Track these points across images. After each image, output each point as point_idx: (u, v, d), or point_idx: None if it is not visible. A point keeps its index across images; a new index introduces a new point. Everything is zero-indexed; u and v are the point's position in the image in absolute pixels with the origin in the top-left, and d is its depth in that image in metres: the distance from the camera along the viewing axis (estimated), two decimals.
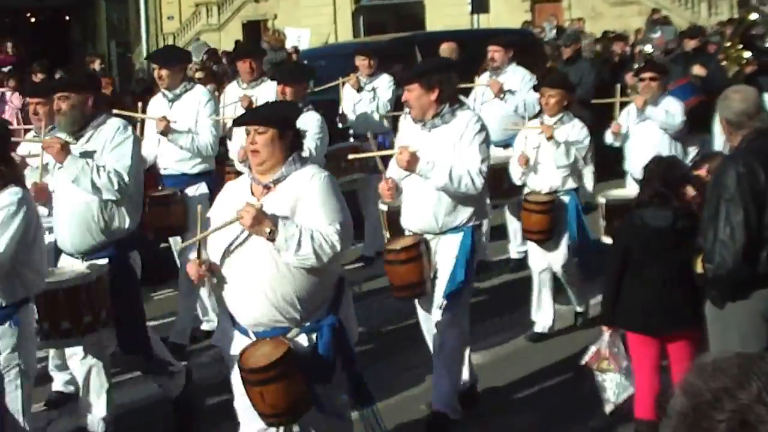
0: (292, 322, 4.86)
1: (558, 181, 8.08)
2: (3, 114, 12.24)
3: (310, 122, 8.27)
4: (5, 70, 13.66)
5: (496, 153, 8.67)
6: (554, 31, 20.91)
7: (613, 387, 5.89)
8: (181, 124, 8.26)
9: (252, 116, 5.39)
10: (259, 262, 4.81)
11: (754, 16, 13.71)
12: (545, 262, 8.15)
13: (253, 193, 4.99)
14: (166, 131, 8.16)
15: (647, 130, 8.89)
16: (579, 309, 8.43)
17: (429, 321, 6.50)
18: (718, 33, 18.39)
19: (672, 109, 8.90)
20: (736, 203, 5.13)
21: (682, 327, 5.67)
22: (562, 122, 8.13)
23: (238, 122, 5.61)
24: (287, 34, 18.89)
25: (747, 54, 12.31)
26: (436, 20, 34.41)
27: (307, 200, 4.85)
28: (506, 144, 9.44)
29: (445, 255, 6.27)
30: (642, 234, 5.69)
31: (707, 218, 5.27)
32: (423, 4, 38.06)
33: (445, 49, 12.83)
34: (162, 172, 8.52)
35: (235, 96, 9.75)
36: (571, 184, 8.11)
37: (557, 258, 8.03)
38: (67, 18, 45.04)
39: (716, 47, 13.61)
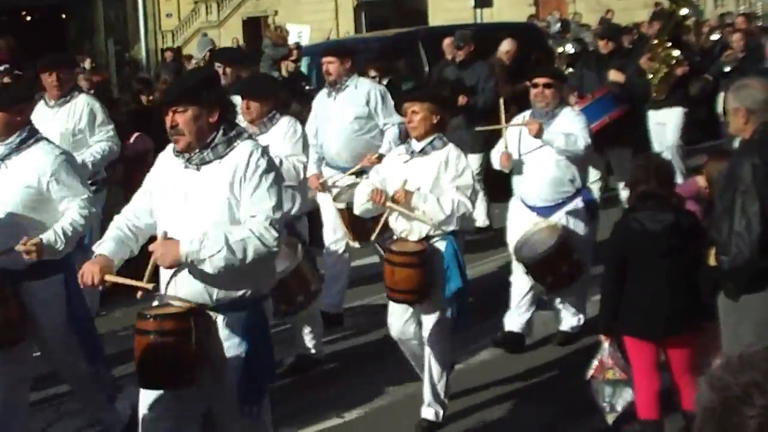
0: None
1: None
2: None
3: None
4: (1, 69, 13.52)
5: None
6: (559, 25, 20.80)
7: (613, 395, 5.78)
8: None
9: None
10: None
11: (684, 11, 12.29)
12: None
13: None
14: None
15: (542, 154, 7.34)
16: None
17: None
18: (635, 31, 17.65)
19: (574, 129, 7.28)
20: (752, 195, 5.05)
21: (684, 329, 5.59)
22: (433, 147, 6.18)
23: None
24: (289, 31, 18.77)
25: (677, 53, 11.54)
26: (438, 15, 34.38)
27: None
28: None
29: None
30: (642, 239, 5.56)
31: (722, 210, 5.20)
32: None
33: (448, 43, 12.74)
34: None
35: (41, 118, 7.40)
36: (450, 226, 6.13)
37: (428, 322, 6.25)
38: (64, 16, 45.00)
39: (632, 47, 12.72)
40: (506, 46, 12.06)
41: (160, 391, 4.71)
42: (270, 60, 15.16)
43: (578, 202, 7.42)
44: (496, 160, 7.63)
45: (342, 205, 7.88)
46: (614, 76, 10.93)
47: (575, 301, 7.72)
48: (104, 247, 4.73)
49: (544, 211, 7.40)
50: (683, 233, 5.50)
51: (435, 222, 6.02)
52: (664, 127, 11.75)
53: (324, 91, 8.84)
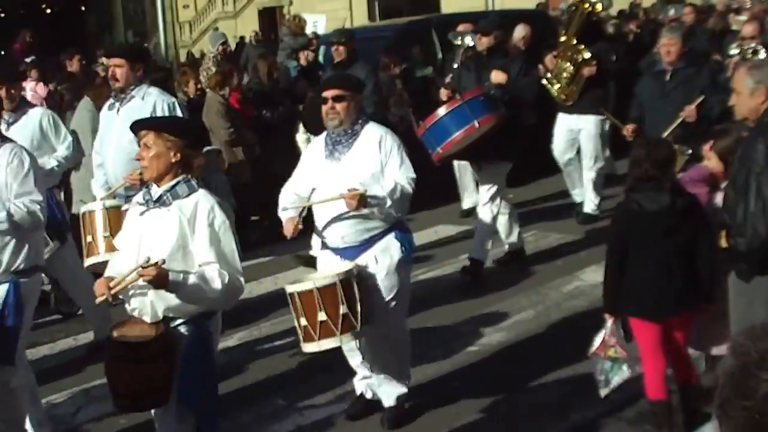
0: None
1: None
2: None
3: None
4: (27, 60, 13.69)
5: None
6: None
7: (611, 371, 5.88)
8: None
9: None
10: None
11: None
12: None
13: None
14: None
15: (339, 182, 5.86)
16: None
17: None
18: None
19: (390, 164, 5.94)
20: (766, 176, 5.07)
21: (686, 309, 5.64)
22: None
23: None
24: (306, 20, 18.85)
25: (586, 53, 10.54)
26: (451, 2, 34.29)
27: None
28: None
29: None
30: (640, 219, 5.61)
31: (735, 192, 5.21)
32: None
33: (461, 30, 12.82)
34: None
35: None
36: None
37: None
38: (83, 8, 45.19)
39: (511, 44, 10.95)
40: (521, 32, 11.97)
41: None
42: (289, 49, 15.24)
43: (390, 240, 5.97)
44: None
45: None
46: (495, 76, 9.25)
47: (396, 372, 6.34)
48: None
49: (349, 253, 5.96)
50: (680, 213, 5.53)
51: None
52: (577, 134, 11.10)
53: (109, 102, 7.52)
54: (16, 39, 16.82)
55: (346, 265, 5.81)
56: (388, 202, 5.79)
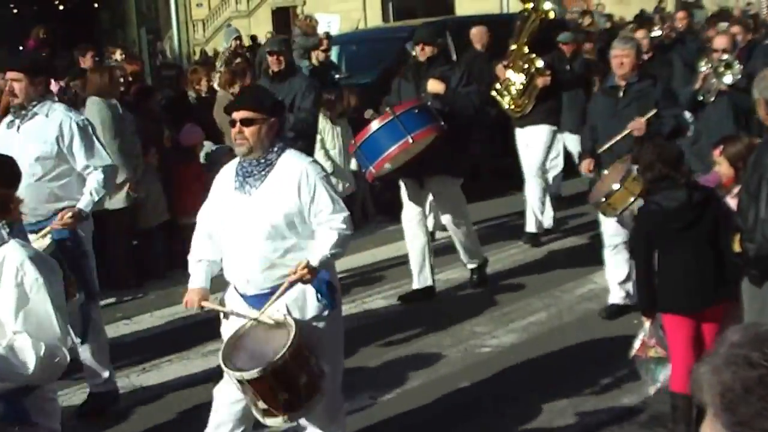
0: None
1: None
2: None
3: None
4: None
5: None
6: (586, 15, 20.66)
7: (655, 370, 5.90)
8: None
9: None
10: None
11: (547, 5, 10.15)
12: None
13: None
14: None
15: (249, 221, 5.10)
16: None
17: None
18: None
19: (319, 204, 5.04)
20: None
21: (719, 299, 5.65)
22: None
23: None
24: (318, 20, 18.88)
25: (539, 62, 9.99)
26: (465, 4, 34.35)
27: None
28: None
29: None
30: (662, 219, 5.68)
31: (747, 198, 5.22)
32: None
33: (476, 33, 12.84)
34: None
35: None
36: None
37: None
38: (96, 5, 45.28)
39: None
40: None
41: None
42: (301, 49, 15.24)
43: (304, 289, 5.02)
44: None
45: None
46: (432, 86, 8.51)
47: None
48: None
49: (254, 301, 5.05)
50: (698, 206, 5.62)
51: None
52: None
53: (7, 119, 6.64)
54: (29, 35, 16.83)
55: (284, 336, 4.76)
56: (331, 255, 4.98)
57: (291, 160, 5.06)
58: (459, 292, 9.03)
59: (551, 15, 10.09)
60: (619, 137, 7.63)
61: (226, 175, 5.21)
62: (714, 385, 1.96)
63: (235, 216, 5.04)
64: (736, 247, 5.34)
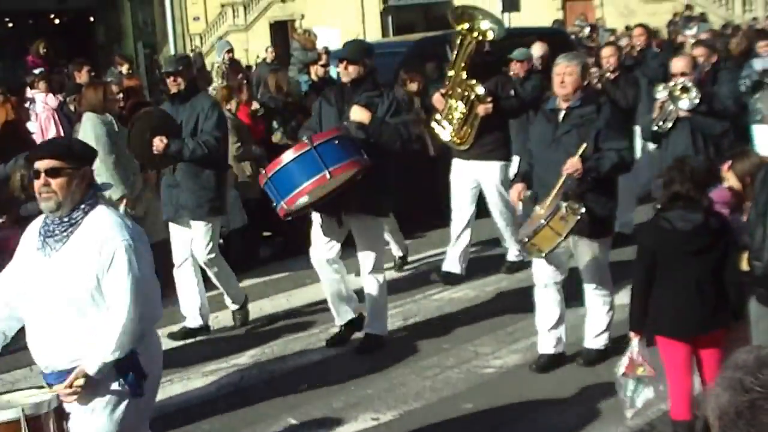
0: None
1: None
2: (37, 116, 12.24)
3: None
4: (36, 72, 13.68)
5: None
6: (588, 29, 20.68)
7: (635, 391, 5.83)
8: None
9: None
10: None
11: (485, 25, 9.22)
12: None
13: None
14: None
15: (44, 298, 4.56)
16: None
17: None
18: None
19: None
20: None
21: (714, 328, 5.60)
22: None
23: None
24: (317, 35, 18.87)
25: (480, 89, 9.08)
26: None
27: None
28: None
29: None
30: (671, 238, 5.57)
31: (755, 215, 5.21)
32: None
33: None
34: None
35: None
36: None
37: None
38: (92, 19, 45.24)
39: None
40: (539, 51, 11.84)
41: None
42: (300, 64, 15.22)
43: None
44: None
45: None
46: (355, 114, 7.60)
47: None
48: None
49: (52, 380, 4.44)
50: (712, 233, 5.51)
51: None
52: (478, 185, 9.56)
53: None
54: (28, 50, 16.78)
55: (44, 395, 4.28)
56: (113, 359, 4.30)
57: (98, 221, 4.36)
58: (462, 311, 8.93)
59: (489, 36, 9.18)
60: (558, 187, 6.78)
61: (32, 231, 4.53)
62: (714, 409, 2.00)
63: (37, 282, 4.39)
64: (744, 266, 5.30)
